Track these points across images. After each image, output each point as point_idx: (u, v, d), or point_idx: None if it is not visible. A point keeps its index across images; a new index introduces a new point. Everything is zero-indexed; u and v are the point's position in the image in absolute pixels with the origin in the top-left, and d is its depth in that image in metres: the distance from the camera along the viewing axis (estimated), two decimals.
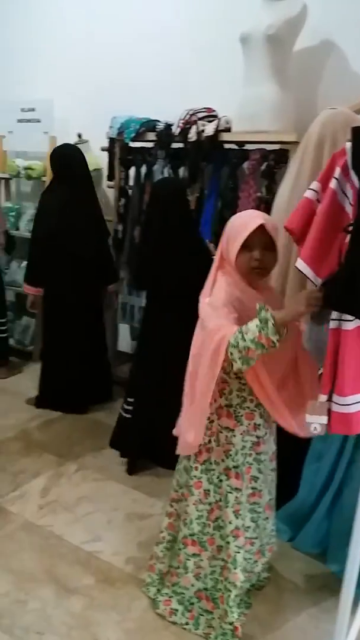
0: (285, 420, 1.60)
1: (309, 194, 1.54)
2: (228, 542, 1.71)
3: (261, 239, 1.55)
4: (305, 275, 1.47)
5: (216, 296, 1.58)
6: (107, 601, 1.91)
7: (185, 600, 1.84)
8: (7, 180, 4.05)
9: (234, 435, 1.67)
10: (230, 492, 1.69)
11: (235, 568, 1.72)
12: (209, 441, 1.70)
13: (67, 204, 2.97)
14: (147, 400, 2.54)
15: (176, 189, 2.52)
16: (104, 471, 2.64)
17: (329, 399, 1.39)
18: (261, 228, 1.53)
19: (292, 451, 1.91)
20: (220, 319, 1.52)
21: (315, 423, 1.39)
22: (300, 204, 1.57)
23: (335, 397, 1.38)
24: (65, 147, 3.12)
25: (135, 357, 2.69)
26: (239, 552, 1.72)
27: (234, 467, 1.69)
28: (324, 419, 1.39)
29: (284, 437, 1.72)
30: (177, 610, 1.84)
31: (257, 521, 1.80)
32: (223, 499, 1.71)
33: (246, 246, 1.55)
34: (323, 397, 1.39)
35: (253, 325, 1.42)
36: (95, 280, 3.12)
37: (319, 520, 2.09)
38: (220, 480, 1.71)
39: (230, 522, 1.70)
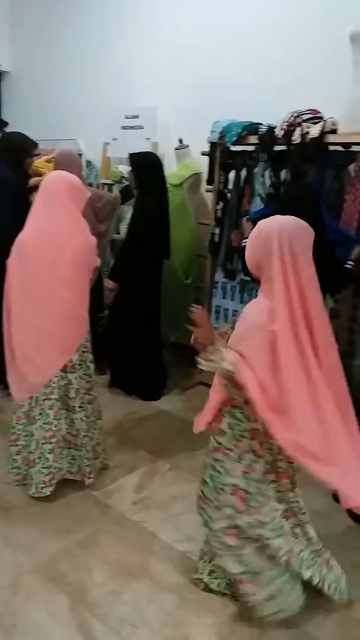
0: None
1: None
2: None
3: None
4: None
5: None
6: (199, 603, 1.91)
7: None
8: (110, 185, 4.21)
9: None
10: None
11: None
12: None
13: (160, 210, 3.10)
14: None
15: (310, 192, 2.52)
16: (197, 473, 2.63)
17: None
18: None
19: None
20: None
21: None
22: None
23: None
24: (153, 156, 3.23)
25: None
26: None
27: None
28: None
29: None
30: None
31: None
32: None
33: None
34: None
35: None
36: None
37: None
38: None
39: None
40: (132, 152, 3.19)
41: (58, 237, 2.16)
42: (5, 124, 3.78)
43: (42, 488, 2.34)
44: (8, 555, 2.09)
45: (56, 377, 2.28)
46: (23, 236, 2.20)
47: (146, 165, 3.16)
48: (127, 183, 3.75)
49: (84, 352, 2.35)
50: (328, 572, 1.85)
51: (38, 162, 3.52)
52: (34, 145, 3.35)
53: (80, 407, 2.35)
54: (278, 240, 1.56)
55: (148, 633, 1.79)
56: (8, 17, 4.85)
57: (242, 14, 3.34)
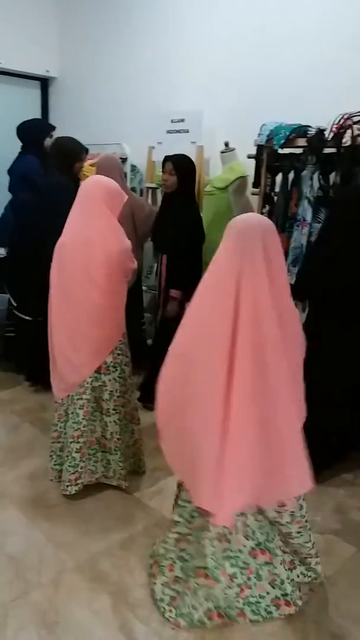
0: None
1: None
2: None
3: None
4: None
5: None
6: None
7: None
8: (154, 189, 4.23)
9: None
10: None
11: None
12: None
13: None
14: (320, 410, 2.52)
15: None
16: None
17: None
18: None
19: None
20: None
21: None
22: None
23: None
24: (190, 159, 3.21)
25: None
26: None
27: None
28: None
29: None
30: None
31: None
32: None
33: None
34: None
35: None
36: None
37: None
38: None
39: None
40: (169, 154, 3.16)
41: (92, 241, 2.21)
42: (53, 127, 3.86)
43: (67, 486, 2.37)
44: (50, 553, 2.11)
45: (90, 377, 2.31)
46: (62, 240, 2.27)
47: (190, 168, 3.15)
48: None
49: (118, 354, 2.36)
50: None
51: (84, 167, 3.58)
52: (85, 150, 3.41)
53: (114, 409, 2.37)
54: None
55: (190, 638, 1.77)
56: (57, 26, 4.96)
57: (290, 15, 3.31)
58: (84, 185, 2.29)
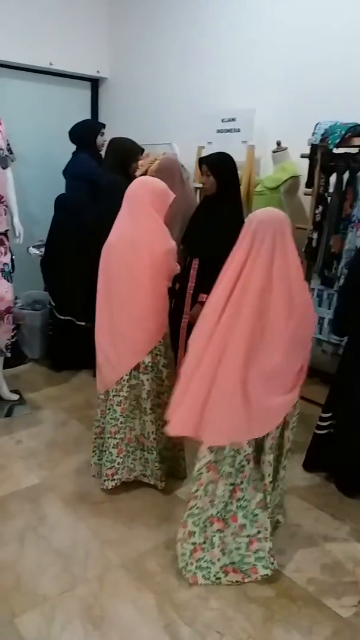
0: None
1: None
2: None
3: None
4: None
5: None
6: (288, 618, 1.85)
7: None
8: (201, 189, 4.21)
9: None
10: None
11: None
12: None
13: None
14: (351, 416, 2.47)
15: None
16: (286, 483, 2.57)
17: None
18: None
19: None
20: None
21: None
22: None
23: None
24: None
25: (337, 374, 2.59)
26: None
27: None
28: None
29: None
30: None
31: None
32: None
33: None
34: None
35: None
36: None
37: None
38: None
39: None
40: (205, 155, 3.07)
41: (138, 242, 2.23)
42: (103, 125, 3.91)
43: (104, 481, 2.42)
44: (96, 549, 2.13)
45: (127, 375, 2.34)
46: (109, 239, 2.29)
47: (227, 168, 2.93)
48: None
49: (157, 355, 2.37)
50: None
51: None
52: (141, 150, 3.45)
53: (150, 409, 2.37)
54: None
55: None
56: (107, 27, 5.00)
57: (344, 10, 3.22)
58: (131, 186, 2.31)
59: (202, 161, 2.96)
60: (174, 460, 2.57)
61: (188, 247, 3.06)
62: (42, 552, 2.09)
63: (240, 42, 3.91)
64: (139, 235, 2.23)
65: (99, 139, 3.81)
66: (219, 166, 2.90)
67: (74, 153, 3.83)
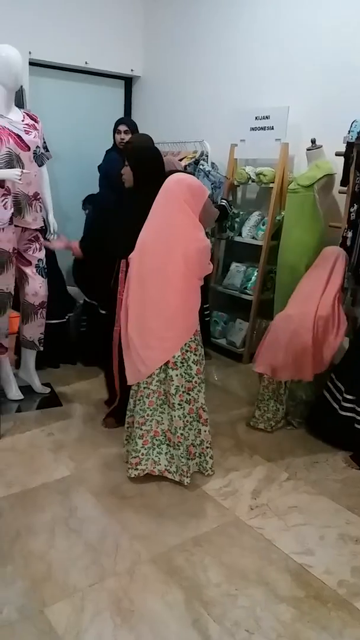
0: None
1: None
2: None
3: None
4: None
5: None
6: (318, 620, 1.82)
7: None
8: (234, 187, 4.20)
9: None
10: None
11: None
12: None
13: None
14: None
15: None
16: (317, 486, 2.55)
17: None
18: None
19: None
20: None
21: None
22: None
23: None
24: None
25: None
26: None
27: None
28: None
29: None
30: None
31: None
32: None
33: None
34: None
35: None
36: None
37: None
38: None
39: None
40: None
41: (172, 240, 2.23)
42: (119, 122, 3.90)
43: (128, 469, 2.46)
44: (126, 543, 2.14)
45: (157, 369, 2.36)
46: (143, 238, 2.31)
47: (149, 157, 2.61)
48: None
49: (186, 351, 2.38)
50: None
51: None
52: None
53: (179, 404, 2.38)
54: None
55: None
56: (141, 26, 5.02)
57: None
58: (166, 183, 2.31)
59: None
60: (201, 457, 2.57)
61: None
62: (72, 544, 2.11)
63: (275, 40, 3.88)
64: (173, 235, 2.23)
65: (116, 137, 3.82)
66: (135, 155, 2.55)
67: (107, 150, 3.86)
